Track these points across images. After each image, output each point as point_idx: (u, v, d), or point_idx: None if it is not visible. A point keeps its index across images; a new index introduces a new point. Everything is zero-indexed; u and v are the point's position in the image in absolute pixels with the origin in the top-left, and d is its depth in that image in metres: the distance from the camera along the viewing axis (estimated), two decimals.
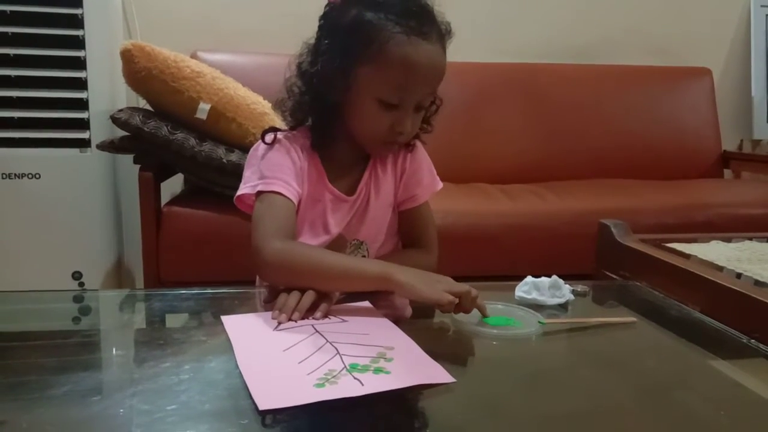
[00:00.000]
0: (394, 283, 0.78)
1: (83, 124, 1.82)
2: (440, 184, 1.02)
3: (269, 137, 0.95)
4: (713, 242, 1.33)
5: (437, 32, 0.87)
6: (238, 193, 0.92)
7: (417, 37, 0.84)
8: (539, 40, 2.53)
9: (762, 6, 2.66)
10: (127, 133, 1.68)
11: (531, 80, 2.43)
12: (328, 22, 0.89)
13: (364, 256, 0.95)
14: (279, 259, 0.82)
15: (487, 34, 2.51)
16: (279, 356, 0.67)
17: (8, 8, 1.74)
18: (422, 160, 1.00)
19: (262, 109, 1.71)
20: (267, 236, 0.84)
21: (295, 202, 0.90)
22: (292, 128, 0.97)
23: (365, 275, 0.80)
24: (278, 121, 1.23)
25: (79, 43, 1.80)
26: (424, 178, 1.00)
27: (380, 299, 0.87)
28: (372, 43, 0.84)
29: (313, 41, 0.92)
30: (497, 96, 2.39)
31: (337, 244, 0.94)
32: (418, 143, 0.99)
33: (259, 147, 0.95)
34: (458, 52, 2.47)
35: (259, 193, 0.90)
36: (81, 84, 1.81)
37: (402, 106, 0.87)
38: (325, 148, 0.95)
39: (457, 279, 1.22)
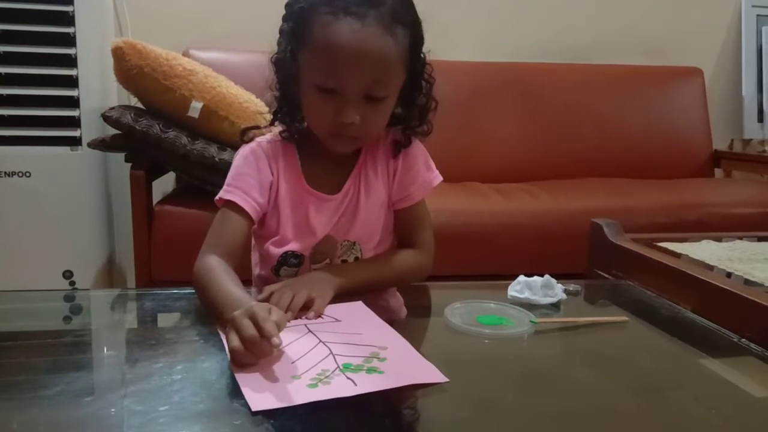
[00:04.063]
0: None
1: (74, 122, 1.81)
2: (438, 179, 0.98)
3: (248, 138, 0.96)
4: (704, 241, 1.34)
5: (378, 13, 0.80)
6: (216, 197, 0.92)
7: (346, 17, 0.79)
8: (532, 39, 2.54)
9: (753, 6, 2.68)
10: (118, 132, 1.67)
11: (524, 80, 2.43)
12: (285, 9, 0.88)
13: (357, 257, 0.95)
14: (195, 276, 0.84)
15: (480, 33, 2.51)
16: (271, 356, 0.67)
17: None
18: (417, 156, 0.97)
19: (255, 107, 1.71)
20: (203, 249, 0.86)
21: (252, 213, 0.89)
22: (271, 124, 0.96)
23: (222, 316, 0.73)
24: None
25: (69, 40, 1.78)
26: (419, 175, 0.96)
27: (375, 299, 0.87)
28: (304, 26, 0.83)
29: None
30: (490, 95, 2.39)
31: (326, 245, 0.93)
32: (415, 139, 0.96)
33: (240, 150, 0.95)
34: (452, 51, 2.49)
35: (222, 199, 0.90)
36: (72, 82, 1.80)
37: (340, 93, 0.82)
38: (304, 145, 0.94)
39: (450, 278, 1.23)
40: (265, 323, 0.64)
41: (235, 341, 0.64)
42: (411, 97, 0.91)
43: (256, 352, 0.64)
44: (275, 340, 0.63)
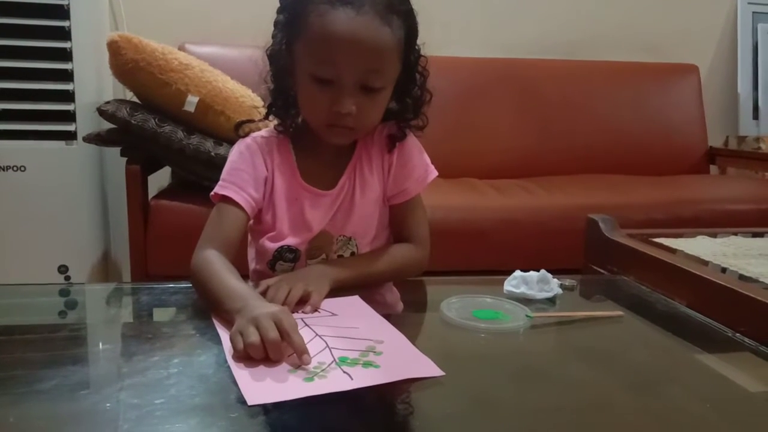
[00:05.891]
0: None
1: (69, 117, 1.80)
2: (434, 174, 0.98)
3: (243, 131, 0.96)
4: (699, 237, 1.34)
5: (374, 3, 0.80)
6: (212, 192, 0.92)
7: (342, 7, 0.79)
8: (529, 35, 2.54)
9: (749, 3, 2.68)
10: (113, 126, 1.66)
11: (521, 76, 2.43)
12: (280, 1, 0.88)
13: (353, 252, 0.94)
14: (194, 269, 0.84)
15: (477, 29, 2.51)
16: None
17: None
18: (412, 152, 0.96)
19: (251, 102, 1.70)
20: (200, 244, 0.86)
21: (247, 208, 0.89)
22: (265, 117, 0.96)
23: (222, 308, 0.75)
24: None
25: (65, 34, 1.77)
26: (415, 170, 0.96)
27: (371, 294, 0.87)
28: (299, 16, 0.83)
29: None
30: (487, 91, 2.40)
31: (322, 241, 0.93)
32: (410, 134, 0.96)
33: (236, 145, 0.95)
34: (448, 47, 2.48)
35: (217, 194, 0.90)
36: (67, 76, 1.79)
37: (337, 83, 0.82)
38: (299, 140, 0.94)
39: (447, 273, 1.23)
40: (292, 338, 0.65)
41: (254, 336, 0.64)
42: (405, 89, 0.91)
43: (273, 354, 0.64)
44: (306, 357, 0.64)
